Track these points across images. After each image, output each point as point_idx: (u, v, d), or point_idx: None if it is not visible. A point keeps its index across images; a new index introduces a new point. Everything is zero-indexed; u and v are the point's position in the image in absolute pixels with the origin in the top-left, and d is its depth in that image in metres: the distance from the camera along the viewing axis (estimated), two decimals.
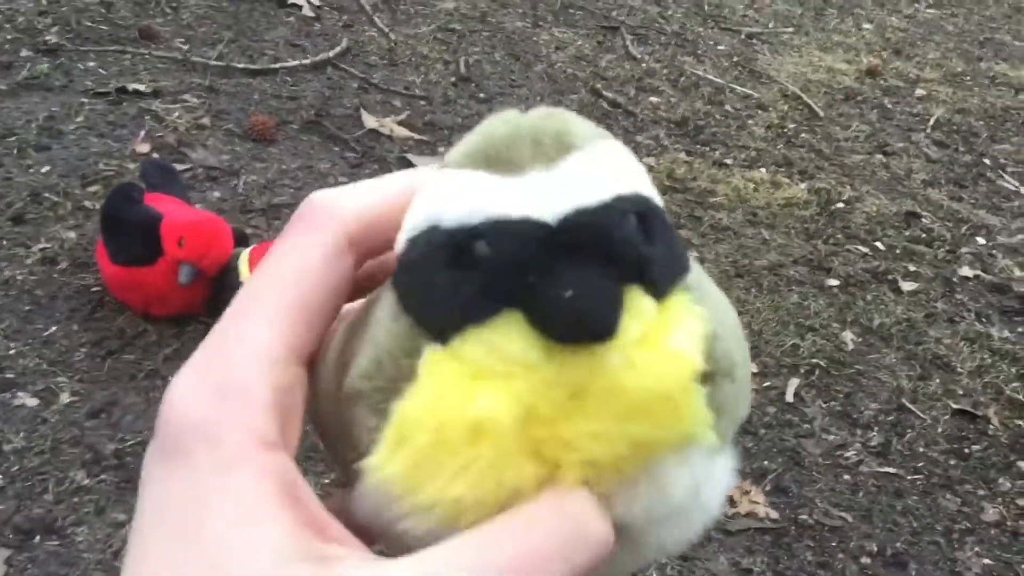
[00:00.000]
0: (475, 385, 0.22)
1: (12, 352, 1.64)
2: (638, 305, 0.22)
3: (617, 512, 0.24)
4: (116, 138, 2.26)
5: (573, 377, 0.22)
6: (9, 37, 2.58)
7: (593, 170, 0.23)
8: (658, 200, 0.24)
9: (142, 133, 2.29)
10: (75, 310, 1.75)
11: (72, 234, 1.91)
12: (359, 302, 0.28)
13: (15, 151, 2.14)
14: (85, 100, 2.38)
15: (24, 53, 2.53)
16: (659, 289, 0.23)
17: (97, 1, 2.82)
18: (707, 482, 0.25)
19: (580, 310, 0.21)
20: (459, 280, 0.22)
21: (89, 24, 2.72)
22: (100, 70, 2.53)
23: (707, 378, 0.23)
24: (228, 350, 0.24)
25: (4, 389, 1.56)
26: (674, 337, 0.23)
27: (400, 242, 0.24)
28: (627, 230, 0.22)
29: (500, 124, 0.24)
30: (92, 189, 2.07)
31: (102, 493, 1.43)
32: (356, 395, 0.24)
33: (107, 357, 1.67)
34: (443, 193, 0.23)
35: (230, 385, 0.23)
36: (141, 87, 2.46)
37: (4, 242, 1.87)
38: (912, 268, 2.38)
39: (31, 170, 2.09)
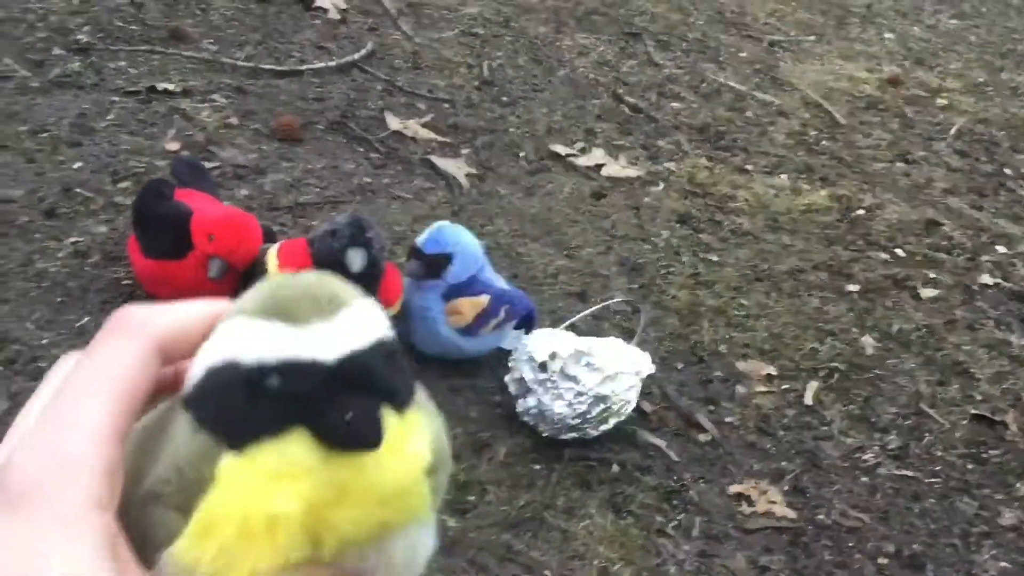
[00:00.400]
0: (271, 486, 0.29)
1: (45, 342, 1.67)
2: (388, 421, 0.30)
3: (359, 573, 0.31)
4: (146, 136, 2.30)
5: (341, 477, 0.29)
6: (42, 36, 2.63)
7: (357, 321, 0.30)
8: (396, 340, 0.32)
9: (172, 131, 2.33)
10: (106, 302, 1.78)
11: (104, 228, 1.95)
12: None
13: (48, 147, 2.18)
14: (116, 99, 2.42)
15: (56, 52, 2.57)
16: (401, 408, 0.30)
17: (128, 2, 2.87)
18: (421, 547, 0.32)
19: (356, 431, 0.29)
20: (255, 406, 0.29)
21: (120, 24, 2.77)
22: (130, 69, 2.57)
23: (431, 471, 0.31)
24: (67, 425, 0.29)
25: (36, 378, 1.60)
26: (410, 443, 0.31)
27: (197, 372, 0.30)
28: (382, 367, 0.30)
29: (284, 285, 0.31)
30: (123, 185, 2.11)
31: None
32: (154, 497, 0.30)
33: None
34: (239, 336, 0.30)
35: (70, 454, 0.28)
36: (171, 87, 2.50)
37: (37, 235, 1.91)
38: (932, 275, 2.39)
39: (63, 166, 2.13)
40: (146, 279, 1.77)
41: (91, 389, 0.29)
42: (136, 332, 0.31)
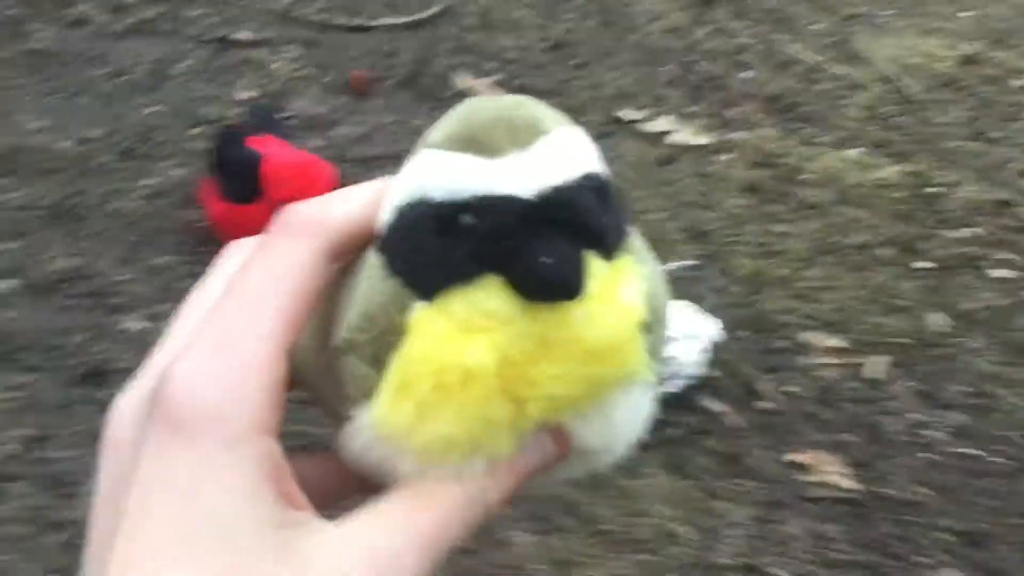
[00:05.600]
0: (464, 337, 0.26)
1: (122, 278, 1.71)
2: (595, 267, 0.26)
3: (575, 438, 0.29)
4: (220, 84, 2.33)
5: (541, 329, 0.26)
6: None
7: (559, 152, 0.27)
8: (609, 175, 0.28)
9: (244, 81, 2.36)
10: (181, 243, 1.82)
11: (178, 172, 1.98)
12: None
13: (125, 91, 2.22)
14: (191, 46, 2.45)
15: None
16: (610, 253, 0.27)
17: None
18: (642, 411, 0.30)
19: (554, 275, 0.25)
20: (447, 246, 0.26)
21: None
22: (206, 19, 2.60)
23: (646, 327, 0.28)
24: (234, 341, 0.27)
25: (116, 311, 1.64)
26: (623, 293, 0.27)
27: (386, 212, 0.28)
28: (589, 204, 0.26)
29: (478, 111, 0.28)
30: (196, 131, 2.14)
31: None
32: (348, 347, 0.28)
33: None
34: (430, 170, 0.27)
35: (237, 374, 0.26)
36: (245, 36, 2.53)
37: (114, 175, 1.95)
38: (1004, 256, 2.34)
39: (140, 110, 2.17)
40: (219, 222, 1.80)
41: (261, 299, 0.27)
42: (308, 232, 0.28)
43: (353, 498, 0.29)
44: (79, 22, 2.44)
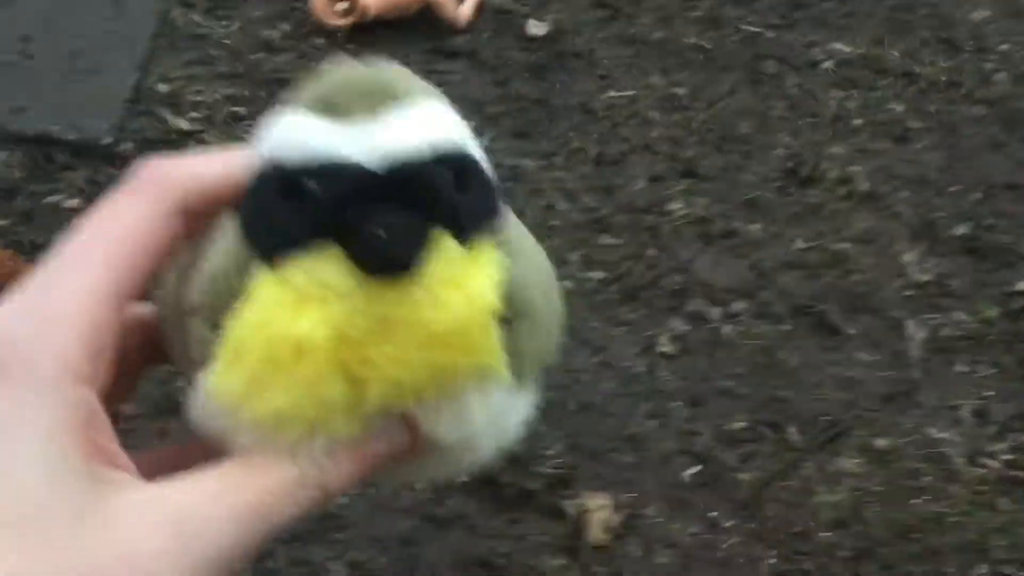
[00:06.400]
0: (297, 308, 0.25)
1: None
2: (445, 248, 0.25)
3: (423, 429, 0.27)
4: None
5: (381, 307, 0.25)
6: None
7: (415, 122, 0.26)
8: (476, 153, 0.27)
9: None
10: None
11: None
12: None
13: None
14: None
15: None
16: (466, 235, 0.25)
17: None
18: (504, 413, 0.28)
19: (387, 247, 0.24)
20: (289, 211, 0.25)
21: None
22: None
23: (505, 320, 0.26)
24: (51, 286, 0.26)
25: None
26: (474, 279, 0.25)
27: (246, 172, 0.27)
28: (440, 180, 0.25)
29: (338, 73, 0.27)
30: None
31: None
32: (192, 309, 0.27)
33: None
34: (281, 131, 0.26)
35: (50, 316, 0.25)
36: None
37: None
38: None
39: None
40: None
41: (90, 249, 0.27)
42: (153, 190, 0.27)
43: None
44: None
